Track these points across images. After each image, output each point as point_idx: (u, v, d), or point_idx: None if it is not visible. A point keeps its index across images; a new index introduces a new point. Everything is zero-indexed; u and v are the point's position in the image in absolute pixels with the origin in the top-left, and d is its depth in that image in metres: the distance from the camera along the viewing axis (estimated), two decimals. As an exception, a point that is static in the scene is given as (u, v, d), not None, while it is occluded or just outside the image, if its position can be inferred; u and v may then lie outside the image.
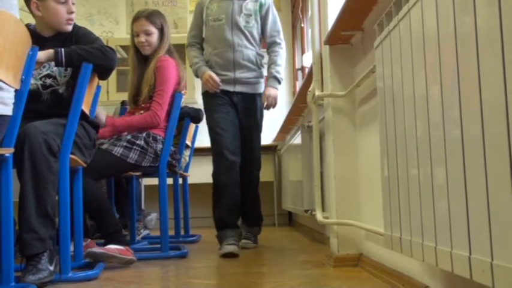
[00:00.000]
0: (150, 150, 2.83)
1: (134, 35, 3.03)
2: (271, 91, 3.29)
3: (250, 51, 3.23)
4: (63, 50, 2.19)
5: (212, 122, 3.18)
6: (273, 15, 3.33)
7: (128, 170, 2.91)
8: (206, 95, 3.26)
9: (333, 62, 2.38)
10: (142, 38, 2.99)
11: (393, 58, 1.44)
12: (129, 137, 2.80)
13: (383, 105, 1.56)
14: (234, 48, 3.18)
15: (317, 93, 2.46)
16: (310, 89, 2.59)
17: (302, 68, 5.36)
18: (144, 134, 2.83)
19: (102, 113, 2.85)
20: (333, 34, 2.25)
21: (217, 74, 3.19)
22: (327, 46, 2.39)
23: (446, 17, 1.06)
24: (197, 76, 3.29)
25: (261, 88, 3.37)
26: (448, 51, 1.06)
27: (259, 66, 3.32)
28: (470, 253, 0.97)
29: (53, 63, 2.27)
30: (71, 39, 2.39)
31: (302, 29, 5.27)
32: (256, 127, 3.40)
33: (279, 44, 3.35)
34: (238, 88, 3.25)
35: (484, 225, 0.91)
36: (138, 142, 2.79)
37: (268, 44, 3.37)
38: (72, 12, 2.35)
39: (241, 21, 3.20)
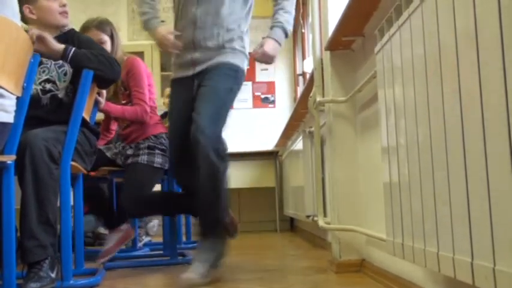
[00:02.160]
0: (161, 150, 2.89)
1: None
2: (269, 44, 2.45)
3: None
4: (74, 48, 2.22)
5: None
6: None
7: (159, 176, 2.95)
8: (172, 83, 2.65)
9: (334, 67, 2.38)
10: None
11: (394, 64, 1.44)
12: (146, 143, 2.86)
13: (384, 110, 1.56)
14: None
15: (318, 98, 2.46)
16: (311, 95, 2.59)
17: (303, 74, 5.37)
18: (151, 136, 2.89)
19: (102, 99, 2.87)
20: (333, 40, 2.25)
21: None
22: (328, 52, 2.39)
23: (446, 23, 1.06)
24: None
25: (234, 58, 2.50)
26: (448, 57, 1.06)
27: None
28: (472, 259, 0.97)
29: (52, 66, 2.28)
30: (72, 42, 2.39)
31: (303, 34, 5.28)
32: (212, 90, 2.38)
33: None
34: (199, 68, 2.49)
35: (486, 231, 0.91)
36: (158, 146, 2.89)
37: None
38: (64, 5, 2.37)
39: None
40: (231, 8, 2.48)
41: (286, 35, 2.54)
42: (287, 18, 2.55)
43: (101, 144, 3.01)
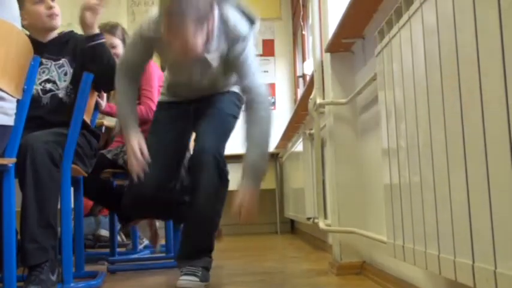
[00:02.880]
0: None
1: None
2: (246, 194, 1.99)
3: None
4: (103, 40, 2.31)
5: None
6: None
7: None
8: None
9: (334, 69, 2.38)
10: None
11: (394, 66, 1.44)
12: None
13: (384, 112, 1.56)
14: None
15: (318, 100, 2.46)
16: (311, 97, 2.59)
17: (303, 76, 5.37)
18: None
19: (103, 101, 2.87)
20: (333, 42, 2.26)
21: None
22: (328, 54, 2.40)
23: (447, 25, 1.06)
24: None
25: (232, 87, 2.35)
26: (449, 58, 1.06)
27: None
28: (473, 261, 0.97)
29: (53, 67, 2.31)
30: (72, 45, 2.40)
31: (303, 36, 5.29)
32: (218, 113, 2.26)
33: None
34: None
35: (487, 233, 0.90)
36: None
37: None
38: (51, 7, 2.37)
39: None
40: (227, 77, 2.27)
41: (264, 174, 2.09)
42: (259, 157, 2.06)
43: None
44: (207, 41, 1.96)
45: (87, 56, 2.28)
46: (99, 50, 2.27)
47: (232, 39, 2.01)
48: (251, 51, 2.06)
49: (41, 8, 2.35)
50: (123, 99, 2.21)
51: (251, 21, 2.09)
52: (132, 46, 2.21)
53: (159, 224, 3.84)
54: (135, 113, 2.23)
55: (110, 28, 3.03)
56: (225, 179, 2.13)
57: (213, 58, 2.09)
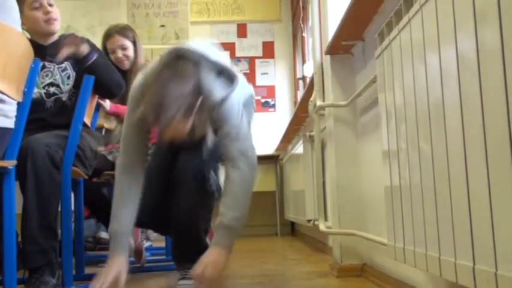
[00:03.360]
0: None
1: (110, 52, 3.03)
2: (215, 254, 1.75)
3: None
4: (97, 55, 2.30)
5: None
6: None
7: None
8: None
9: (334, 71, 2.39)
10: (120, 54, 3.01)
11: (394, 68, 1.44)
12: None
13: (385, 114, 1.56)
14: None
15: (318, 103, 2.46)
16: (311, 99, 2.59)
17: (303, 78, 5.37)
18: None
19: (105, 103, 2.86)
20: (333, 44, 2.26)
21: None
22: (328, 56, 2.40)
23: (447, 27, 1.07)
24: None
25: None
26: (448, 61, 1.06)
27: None
28: (474, 263, 0.97)
29: (56, 70, 2.30)
30: None
31: (303, 38, 5.29)
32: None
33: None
34: None
35: (488, 235, 0.90)
36: None
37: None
38: (48, 13, 2.37)
39: None
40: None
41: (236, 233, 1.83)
42: (236, 221, 1.79)
43: None
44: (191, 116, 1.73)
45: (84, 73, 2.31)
46: (93, 68, 2.28)
47: (209, 105, 1.77)
48: (234, 113, 1.82)
49: (39, 13, 2.35)
50: (120, 204, 1.89)
51: (231, 80, 1.82)
52: (125, 138, 1.96)
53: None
54: (132, 225, 1.91)
55: (120, 30, 3.02)
56: (206, 188, 2.03)
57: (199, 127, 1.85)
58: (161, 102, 1.65)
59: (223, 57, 1.87)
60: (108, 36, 3.02)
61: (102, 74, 2.30)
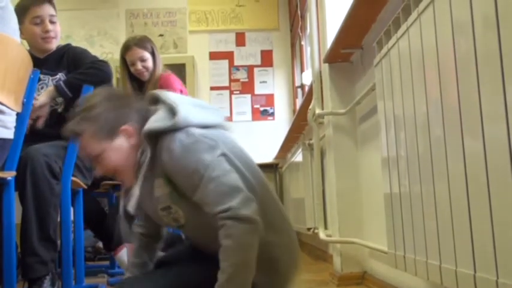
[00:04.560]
0: None
1: (129, 64, 3.03)
2: None
3: None
4: (61, 82, 2.24)
5: None
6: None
7: None
8: None
9: (332, 80, 2.39)
10: (139, 66, 3.02)
11: (393, 76, 1.45)
12: None
13: (384, 122, 1.56)
14: None
15: (317, 111, 2.46)
16: (310, 107, 2.60)
17: (302, 86, 5.38)
18: None
19: None
20: (332, 52, 2.26)
21: None
22: (327, 64, 2.40)
23: (444, 35, 1.07)
24: None
25: None
26: (447, 69, 1.06)
27: None
28: (475, 271, 0.96)
29: (50, 82, 2.30)
30: (67, 59, 2.41)
31: (301, 47, 5.30)
32: None
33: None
34: None
35: (488, 243, 0.90)
36: None
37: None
38: (47, 31, 2.37)
39: None
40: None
41: None
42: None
43: None
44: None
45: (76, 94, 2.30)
46: (72, 88, 2.24)
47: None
48: (187, 156, 1.32)
49: (38, 29, 2.35)
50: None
51: (172, 112, 1.38)
52: None
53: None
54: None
55: (139, 41, 3.02)
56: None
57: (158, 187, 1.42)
58: None
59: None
60: (126, 48, 3.02)
61: (82, 82, 2.24)
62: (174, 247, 1.69)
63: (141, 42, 3.04)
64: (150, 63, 3.02)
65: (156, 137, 1.35)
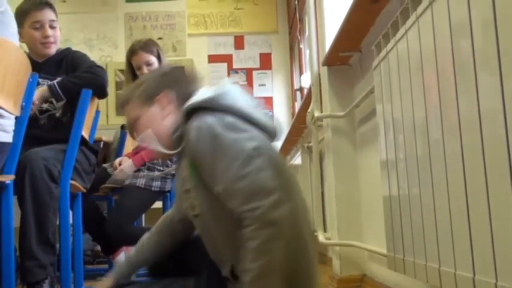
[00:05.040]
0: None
1: (135, 68, 3.03)
2: None
3: None
4: (55, 83, 2.23)
5: None
6: None
7: (155, 199, 2.89)
8: None
9: (331, 82, 2.39)
10: (145, 70, 3.01)
11: (391, 79, 1.45)
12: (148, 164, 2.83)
13: (383, 125, 1.56)
14: None
15: (316, 114, 2.46)
16: (309, 110, 2.60)
17: (301, 89, 5.38)
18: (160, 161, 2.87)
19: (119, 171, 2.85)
20: (330, 55, 2.26)
21: None
22: (325, 67, 2.40)
23: (443, 38, 1.07)
24: None
25: None
26: (445, 72, 1.07)
27: None
28: (474, 274, 0.96)
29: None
30: (66, 63, 2.41)
31: (300, 50, 5.31)
32: None
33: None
34: None
35: (488, 246, 0.90)
36: (159, 168, 2.84)
37: None
38: (47, 37, 2.36)
39: None
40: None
41: None
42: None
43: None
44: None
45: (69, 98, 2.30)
46: (65, 90, 2.24)
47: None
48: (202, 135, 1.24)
49: (37, 34, 2.35)
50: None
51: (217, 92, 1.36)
52: None
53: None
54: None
55: (144, 45, 3.00)
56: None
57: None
58: None
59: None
60: (132, 52, 3.01)
61: (79, 85, 2.24)
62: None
63: (147, 46, 3.03)
64: (156, 66, 3.02)
65: (191, 114, 1.29)
